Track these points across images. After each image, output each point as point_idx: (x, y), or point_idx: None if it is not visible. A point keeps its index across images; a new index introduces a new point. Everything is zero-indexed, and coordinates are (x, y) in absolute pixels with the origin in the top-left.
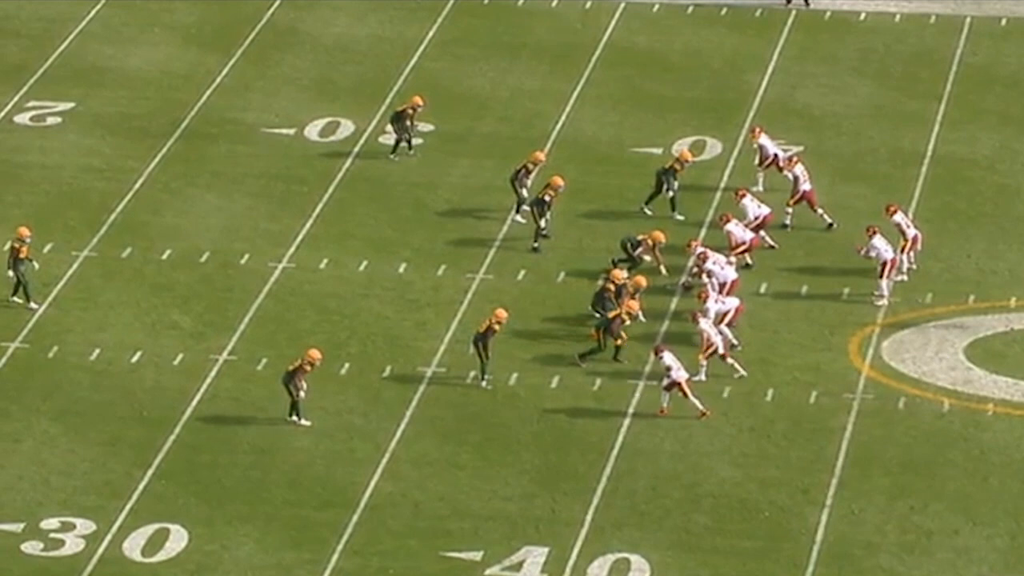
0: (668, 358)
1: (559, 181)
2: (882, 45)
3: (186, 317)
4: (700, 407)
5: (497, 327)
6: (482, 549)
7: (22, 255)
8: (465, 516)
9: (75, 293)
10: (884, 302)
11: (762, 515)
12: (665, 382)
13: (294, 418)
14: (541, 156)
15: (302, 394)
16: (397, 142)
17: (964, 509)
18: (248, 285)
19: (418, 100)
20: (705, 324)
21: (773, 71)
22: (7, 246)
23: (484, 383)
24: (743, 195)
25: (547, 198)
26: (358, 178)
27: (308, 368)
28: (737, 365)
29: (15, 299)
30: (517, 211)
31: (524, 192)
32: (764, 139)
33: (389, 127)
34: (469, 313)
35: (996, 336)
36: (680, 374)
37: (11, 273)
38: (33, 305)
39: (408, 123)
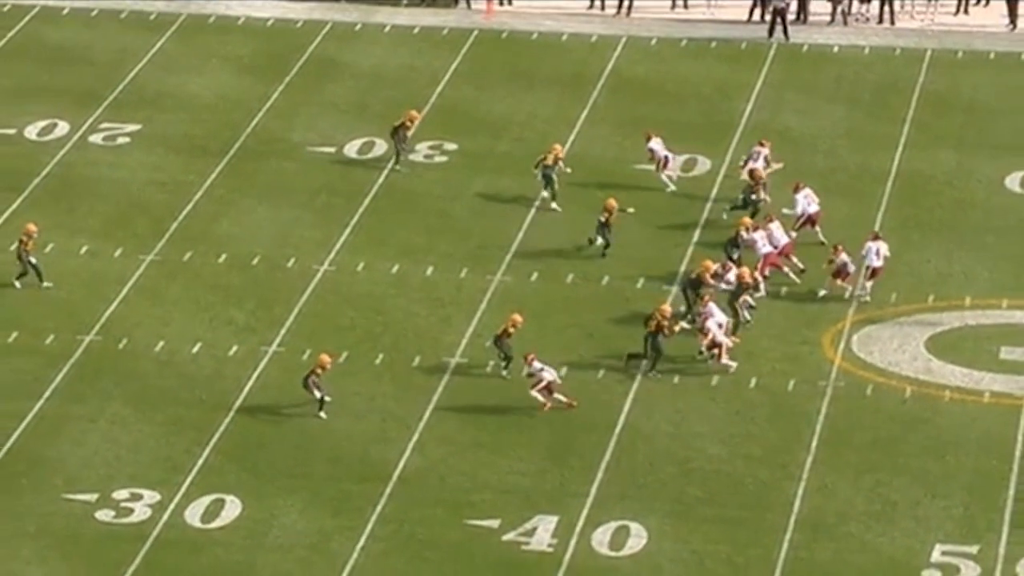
0: (536, 364)
1: (613, 203)
2: (853, 74)
3: (240, 313)
4: (566, 400)
5: (512, 329)
6: (499, 518)
7: (28, 248)
8: (485, 489)
9: (142, 292)
10: (867, 299)
11: (746, 488)
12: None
13: (321, 414)
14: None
15: (316, 393)
16: (397, 153)
17: (924, 483)
18: (294, 285)
19: (414, 114)
20: (712, 324)
21: (757, 97)
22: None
23: (505, 373)
24: (801, 187)
25: (602, 219)
26: (391, 191)
27: (319, 371)
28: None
29: (18, 281)
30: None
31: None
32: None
33: (392, 138)
34: (488, 311)
35: (952, 331)
36: (550, 374)
37: (19, 261)
38: (47, 284)
39: (404, 134)
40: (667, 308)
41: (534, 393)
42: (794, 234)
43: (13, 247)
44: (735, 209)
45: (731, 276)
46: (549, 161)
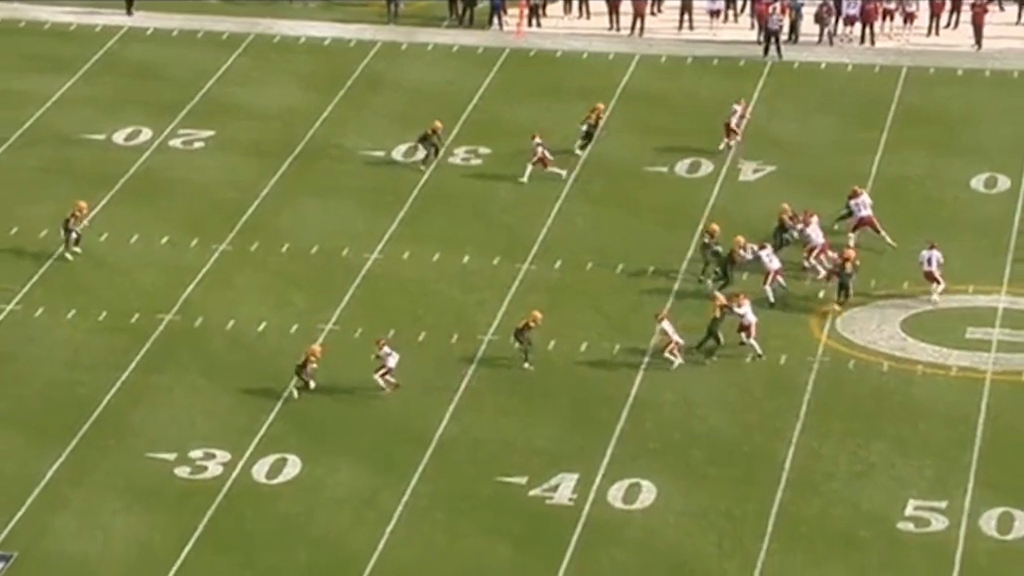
0: (386, 350)
1: (716, 227)
2: (838, 88)
3: (300, 296)
4: (393, 382)
5: (533, 324)
6: (527, 475)
7: (76, 219)
8: (513, 450)
9: (215, 277)
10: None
11: (743, 450)
12: None
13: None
14: (438, 124)
15: (312, 383)
16: (426, 156)
17: (899, 447)
18: (347, 272)
19: (437, 124)
20: (667, 324)
21: (754, 108)
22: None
23: (527, 365)
24: (858, 193)
25: (706, 239)
26: (432, 189)
27: (313, 360)
28: (676, 355)
29: (77, 247)
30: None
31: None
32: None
33: (419, 144)
34: (517, 295)
35: (924, 313)
36: (393, 361)
37: (69, 233)
38: (68, 256)
39: (431, 141)
40: (721, 296)
41: (377, 378)
42: (852, 236)
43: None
44: (841, 219)
45: (763, 254)
46: (593, 120)
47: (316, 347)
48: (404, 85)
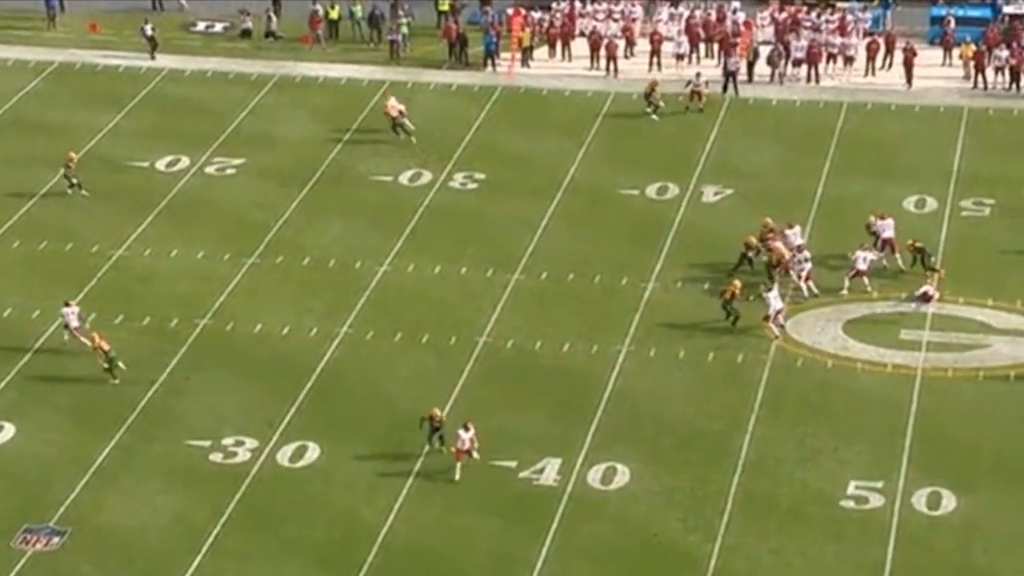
0: (67, 309)
1: (753, 240)
2: (787, 121)
3: (318, 303)
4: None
5: (436, 422)
6: (516, 459)
7: (71, 168)
8: (505, 437)
9: (244, 287)
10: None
11: (705, 437)
12: None
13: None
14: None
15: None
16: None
17: (841, 434)
18: (360, 282)
19: (390, 103)
20: None
21: (715, 138)
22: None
23: (441, 448)
24: (885, 216)
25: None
26: (434, 209)
27: (101, 351)
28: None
29: (71, 190)
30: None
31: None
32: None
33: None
34: (508, 302)
35: (863, 318)
36: (75, 319)
37: (66, 179)
38: (85, 193)
39: (399, 122)
40: (737, 283)
41: (79, 336)
42: (877, 255)
43: (61, 171)
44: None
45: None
46: (648, 91)
47: (103, 343)
48: (410, 119)
